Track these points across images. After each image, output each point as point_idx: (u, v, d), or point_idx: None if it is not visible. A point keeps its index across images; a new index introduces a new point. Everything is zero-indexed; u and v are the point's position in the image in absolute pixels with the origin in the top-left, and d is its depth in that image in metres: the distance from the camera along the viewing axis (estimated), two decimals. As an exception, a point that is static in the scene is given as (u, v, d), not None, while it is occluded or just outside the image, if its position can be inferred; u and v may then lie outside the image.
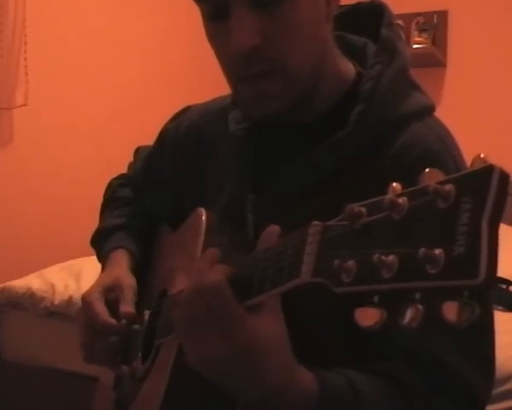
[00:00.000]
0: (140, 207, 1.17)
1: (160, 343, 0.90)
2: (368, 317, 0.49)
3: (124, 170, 1.27)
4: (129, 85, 3.38)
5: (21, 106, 2.80)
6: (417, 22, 3.67)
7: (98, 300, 0.97)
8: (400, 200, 0.49)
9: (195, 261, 0.84)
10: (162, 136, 1.14)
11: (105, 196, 1.24)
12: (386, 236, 0.49)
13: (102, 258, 1.10)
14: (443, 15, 3.73)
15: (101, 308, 0.96)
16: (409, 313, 0.47)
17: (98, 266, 1.11)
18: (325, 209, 0.59)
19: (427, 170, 0.49)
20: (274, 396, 0.66)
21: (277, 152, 0.91)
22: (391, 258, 0.47)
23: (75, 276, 2.22)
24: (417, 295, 0.46)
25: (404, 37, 0.98)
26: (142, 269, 1.08)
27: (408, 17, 3.57)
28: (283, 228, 0.65)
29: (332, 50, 0.89)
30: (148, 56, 3.53)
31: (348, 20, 0.96)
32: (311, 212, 0.63)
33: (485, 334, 0.82)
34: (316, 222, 0.57)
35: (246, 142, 0.93)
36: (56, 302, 2.12)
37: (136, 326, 0.97)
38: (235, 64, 0.82)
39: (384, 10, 0.92)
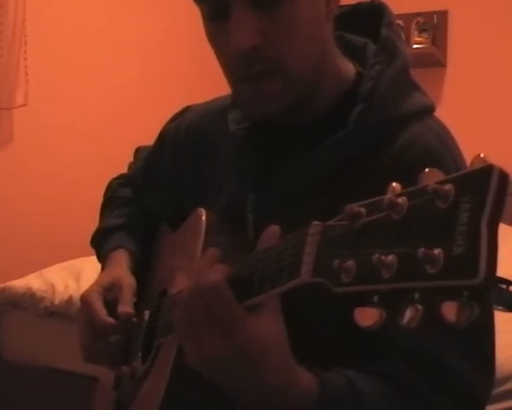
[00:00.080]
0: (140, 208, 1.17)
1: (159, 343, 0.90)
2: (367, 317, 0.50)
3: (124, 170, 1.27)
4: (129, 85, 3.38)
5: (21, 106, 2.80)
6: (417, 22, 3.67)
7: (97, 299, 0.97)
8: (400, 200, 0.48)
9: (195, 261, 0.84)
10: (162, 136, 1.14)
11: (105, 196, 1.23)
12: (385, 236, 0.49)
13: (102, 258, 1.10)
14: (443, 15, 3.72)
15: (99, 308, 0.96)
16: (408, 313, 0.47)
17: (98, 266, 1.11)
18: (325, 209, 0.59)
19: (426, 170, 0.49)
20: (274, 396, 0.66)
21: (277, 152, 0.91)
22: (390, 258, 0.47)
23: (75, 276, 2.22)
24: (417, 295, 0.46)
25: (404, 37, 0.98)
26: (142, 269, 1.08)
27: (408, 17, 3.56)
28: (283, 228, 0.65)
29: (332, 50, 0.89)
30: (148, 56, 3.53)
31: (348, 20, 0.96)
32: (311, 212, 0.63)
33: (485, 334, 0.82)
34: (315, 222, 0.57)
35: (246, 142, 0.93)
36: (56, 302, 2.12)
37: (135, 326, 0.97)
38: (235, 64, 0.82)
39: (384, 10, 0.92)
